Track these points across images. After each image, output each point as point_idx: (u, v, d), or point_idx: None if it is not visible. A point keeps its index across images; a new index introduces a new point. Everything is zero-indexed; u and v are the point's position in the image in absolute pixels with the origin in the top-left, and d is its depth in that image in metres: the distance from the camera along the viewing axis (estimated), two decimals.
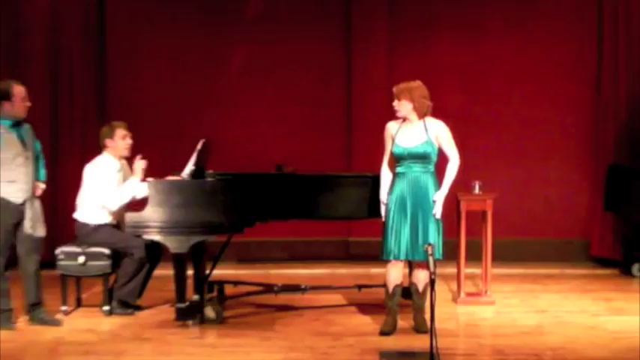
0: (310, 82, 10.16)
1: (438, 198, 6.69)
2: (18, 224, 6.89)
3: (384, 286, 6.90)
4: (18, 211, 6.86)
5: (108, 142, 7.59)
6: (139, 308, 7.60)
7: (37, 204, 7.02)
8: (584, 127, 10.00)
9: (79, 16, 9.96)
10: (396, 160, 6.76)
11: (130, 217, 7.11)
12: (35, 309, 7.13)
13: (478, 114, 9.90)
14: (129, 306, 7.52)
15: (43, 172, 7.22)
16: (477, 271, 8.22)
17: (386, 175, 6.90)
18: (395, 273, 6.82)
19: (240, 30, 10.15)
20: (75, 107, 9.93)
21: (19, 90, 6.92)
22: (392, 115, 6.87)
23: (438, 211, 6.68)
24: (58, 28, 9.92)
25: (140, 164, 7.43)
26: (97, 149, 7.83)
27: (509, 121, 10.02)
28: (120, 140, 7.58)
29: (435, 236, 6.64)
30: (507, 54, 10.06)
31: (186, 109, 9.98)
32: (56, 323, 7.14)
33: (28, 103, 6.98)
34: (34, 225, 6.93)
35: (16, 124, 6.91)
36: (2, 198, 6.80)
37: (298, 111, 10.14)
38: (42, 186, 7.17)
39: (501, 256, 8.46)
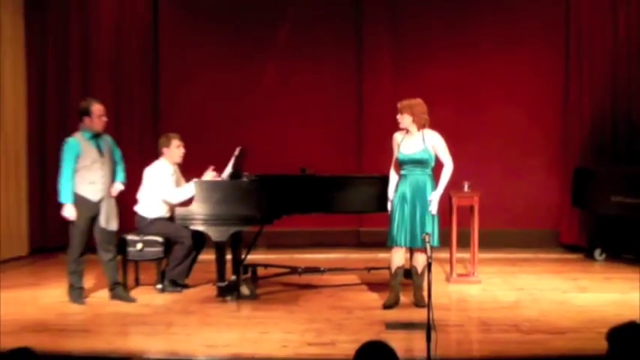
0: (328, 96, 10.12)
1: (434, 197, 6.72)
2: (94, 218, 6.92)
3: (389, 268, 6.94)
4: (95, 207, 6.89)
5: (164, 150, 7.63)
6: (186, 287, 7.62)
7: (112, 202, 7.03)
8: (556, 136, 9.94)
9: (138, 42, 10.00)
10: (400, 164, 6.81)
11: (179, 211, 7.17)
12: (115, 288, 7.16)
13: (468, 124, 9.81)
14: (178, 285, 7.56)
15: (121, 175, 7.16)
16: (466, 255, 8.23)
17: (393, 177, 6.92)
18: (398, 257, 6.85)
19: (270, 56, 10.14)
20: (134, 117, 9.94)
21: (97, 108, 6.89)
22: (396, 126, 6.89)
23: (433, 207, 6.71)
24: (120, 52, 9.95)
25: (210, 175, 7.44)
26: (153, 154, 7.89)
27: (494, 130, 9.93)
28: (175, 149, 7.62)
29: (430, 227, 6.65)
30: (493, 72, 9.95)
31: (225, 121, 9.94)
32: (131, 300, 7.15)
33: (105, 119, 6.95)
34: (108, 220, 6.95)
35: (95, 136, 6.92)
36: (82, 196, 6.84)
37: (318, 121, 10.09)
38: (119, 187, 7.13)
39: (486, 243, 8.41)
